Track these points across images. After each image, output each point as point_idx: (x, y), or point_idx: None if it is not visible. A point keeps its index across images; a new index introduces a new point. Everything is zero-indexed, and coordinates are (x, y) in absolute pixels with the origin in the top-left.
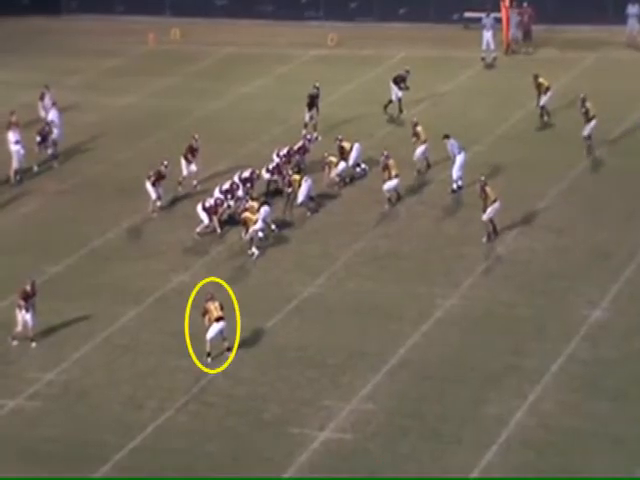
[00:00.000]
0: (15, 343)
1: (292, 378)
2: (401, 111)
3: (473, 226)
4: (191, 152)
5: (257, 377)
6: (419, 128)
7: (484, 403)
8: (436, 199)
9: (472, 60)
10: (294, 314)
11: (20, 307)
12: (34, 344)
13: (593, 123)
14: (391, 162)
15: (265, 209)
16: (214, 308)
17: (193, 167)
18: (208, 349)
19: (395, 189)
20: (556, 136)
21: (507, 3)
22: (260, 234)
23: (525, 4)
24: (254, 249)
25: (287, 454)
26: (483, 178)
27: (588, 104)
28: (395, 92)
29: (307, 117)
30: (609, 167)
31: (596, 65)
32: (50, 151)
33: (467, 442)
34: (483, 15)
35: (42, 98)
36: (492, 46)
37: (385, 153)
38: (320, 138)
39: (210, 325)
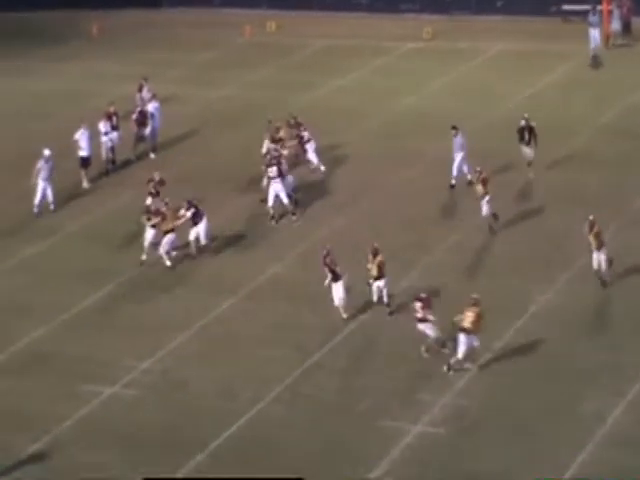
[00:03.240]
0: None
1: (385, 371)
2: None
3: (573, 219)
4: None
5: (351, 369)
6: (282, 132)
7: (580, 400)
8: (534, 194)
9: (570, 53)
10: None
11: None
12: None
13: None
14: (485, 176)
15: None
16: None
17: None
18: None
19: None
20: None
21: None
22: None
23: None
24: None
25: (379, 447)
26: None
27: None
28: None
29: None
30: None
31: None
32: (148, 130)
33: (562, 439)
34: (590, 13)
35: (140, 90)
36: (599, 42)
37: (478, 169)
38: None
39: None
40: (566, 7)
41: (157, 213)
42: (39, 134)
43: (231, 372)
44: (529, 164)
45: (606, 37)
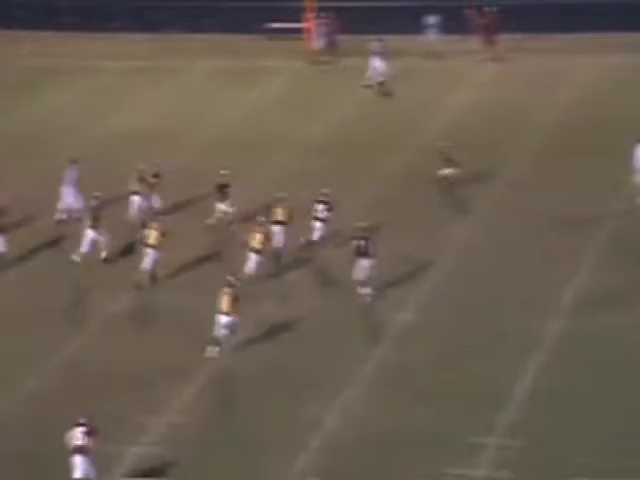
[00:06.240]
0: None
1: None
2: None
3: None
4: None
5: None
6: None
7: (298, 408)
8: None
9: (276, 70)
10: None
11: None
12: None
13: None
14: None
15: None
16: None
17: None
18: None
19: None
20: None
21: (311, 14)
22: None
23: (329, 15)
24: None
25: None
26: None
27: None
28: None
29: None
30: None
31: (399, 73)
32: None
33: (278, 448)
34: (375, 42)
35: None
36: (379, 71)
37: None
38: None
39: None
40: (274, 25)
41: None
42: None
43: None
44: None
45: (310, 54)
